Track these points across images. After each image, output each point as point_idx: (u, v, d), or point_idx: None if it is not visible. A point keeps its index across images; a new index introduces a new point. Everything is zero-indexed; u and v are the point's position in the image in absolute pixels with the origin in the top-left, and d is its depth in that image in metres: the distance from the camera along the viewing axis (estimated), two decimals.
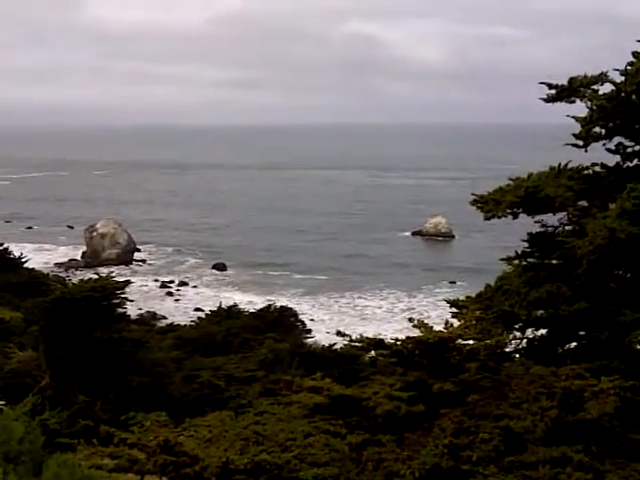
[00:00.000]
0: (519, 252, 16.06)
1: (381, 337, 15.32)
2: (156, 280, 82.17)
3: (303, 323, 50.42)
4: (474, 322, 14.65)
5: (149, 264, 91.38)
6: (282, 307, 49.34)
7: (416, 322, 14.61)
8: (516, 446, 11.70)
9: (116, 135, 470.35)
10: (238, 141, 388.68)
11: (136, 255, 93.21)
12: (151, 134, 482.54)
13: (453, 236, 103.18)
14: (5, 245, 59.72)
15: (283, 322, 44.52)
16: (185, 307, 71.40)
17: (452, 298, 16.56)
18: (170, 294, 77.46)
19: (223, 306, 45.20)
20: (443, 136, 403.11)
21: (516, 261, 15.98)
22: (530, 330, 15.31)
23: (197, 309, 67.15)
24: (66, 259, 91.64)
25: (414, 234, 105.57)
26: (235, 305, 47.14)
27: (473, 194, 15.90)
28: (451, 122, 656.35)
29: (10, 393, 22.87)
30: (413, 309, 66.52)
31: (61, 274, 79.72)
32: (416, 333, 14.32)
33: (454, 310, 15.71)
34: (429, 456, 11.37)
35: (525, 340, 15.35)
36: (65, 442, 16.06)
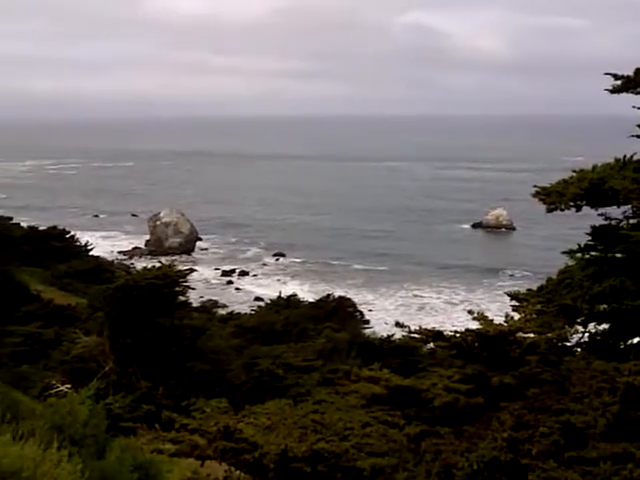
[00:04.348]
0: (582, 245, 15.82)
1: (440, 329, 15.27)
2: (217, 269, 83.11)
3: (361, 313, 50.49)
4: (535, 315, 14.51)
5: (211, 253, 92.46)
6: (341, 297, 49.44)
7: (476, 314, 14.53)
8: (576, 441, 11.56)
9: (178, 125, 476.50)
10: (299, 132, 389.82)
11: (198, 244, 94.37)
12: (212, 124, 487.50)
13: (514, 228, 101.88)
14: (72, 233, 61.30)
15: (341, 312, 44.66)
16: (245, 296, 72.08)
17: (512, 291, 16.40)
18: (231, 283, 78.29)
19: (282, 295, 45.59)
20: (505, 128, 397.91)
21: (579, 254, 15.75)
22: (592, 324, 15.08)
23: (257, 298, 67.75)
24: (130, 247, 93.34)
25: (474, 226, 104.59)
26: (294, 294, 47.49)
27: (535, 186, 15.71)
28: (513, 114, 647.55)
29: (75, 377, 23.51)
30: (472, 301, 65.97)
31: (125, 262, 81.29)
32: (475, 326, 14.25)
33: (514, 303, 15.56)
34: (487, 449, 11.31)
35: (587, 334, 15.13)
36: (128, 426, 16.48)
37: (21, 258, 49.21)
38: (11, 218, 65.12)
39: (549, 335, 14.01)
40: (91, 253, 61.77)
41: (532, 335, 14.07)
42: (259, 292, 71.79)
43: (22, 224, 64.55)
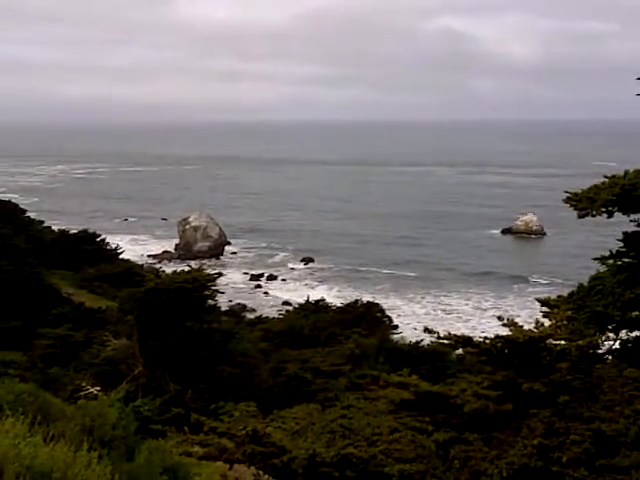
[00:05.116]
0: (614, 251, 15.69)
1: (469, 335, 15.19)
2: (246, 273, 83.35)
3: (390, 319, 50.35)
4: (565, 322, 14.39)
5: (240, 257, 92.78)
6: (369, 302, 49.30)
7: (506, 321, 14.45)
8: (607, 449, 11.44)
9: (206, 130, 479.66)
10: (326, 137, 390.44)
11: (227, 248, 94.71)
12: (239, 129, 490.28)
13: (545, 234, 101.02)
14: (102, 237, 61.85)
15: (370, 317, 44.52)
16: (273, 300, 72.20)
17: (543, 297, 16.29)
18: (259, 287, 78.45)
19: (311, 300, 45.60)
20: (532, 132, 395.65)
21: (610, 261, 15.62)
22: (624, 331, 14.94)
23: (285, 302, 67.82)
24: (160, 251, 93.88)
25: (504, 232, 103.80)
26: (322, 299, 47.46)
27: (566, 192, 15.62)
28: (540, 118, 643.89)
29: (105, 380, 23.67)
30: (502, 308, 65.50)
31: (155, 265, 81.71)
32: (505, 332, 14.15)
33: (545, 309, 15.46)
34: (517, 456, 11.23)
35: (618, 342, 14.98)
36: (157, 429, 16.55)
37: (52, 261, 49.76)
38: (42, 222, 65.81)
39: (580, 342, 13.88)
40: (121, 257, 62.28)
41: (563, 342, 13.96)
42: (287, 296, 71.88)
43: (53, 228, 65.24)
